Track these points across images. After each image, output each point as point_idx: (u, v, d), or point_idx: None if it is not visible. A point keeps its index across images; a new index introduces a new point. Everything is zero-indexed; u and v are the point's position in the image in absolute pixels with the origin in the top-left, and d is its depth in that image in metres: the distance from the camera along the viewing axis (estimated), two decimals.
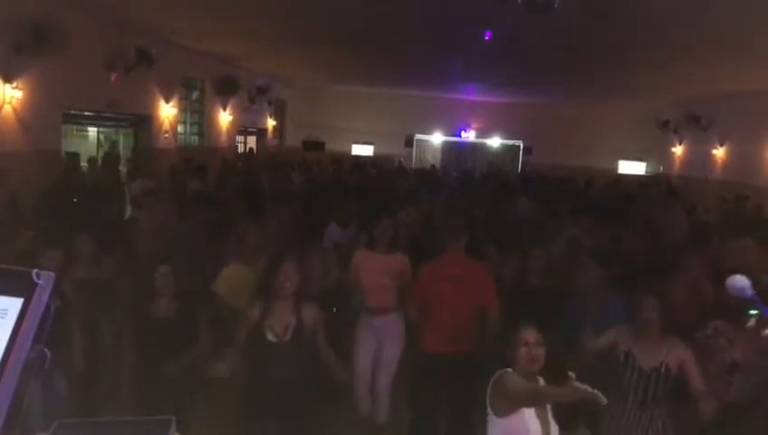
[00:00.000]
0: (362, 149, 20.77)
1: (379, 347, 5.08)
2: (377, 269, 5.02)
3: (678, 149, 17.78)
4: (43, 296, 1.01)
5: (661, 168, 18.80)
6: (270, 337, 3.75)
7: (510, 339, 3.08)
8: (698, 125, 15.48)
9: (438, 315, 4.62)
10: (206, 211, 6.68)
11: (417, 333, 4.83)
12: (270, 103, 18.22)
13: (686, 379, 3.64)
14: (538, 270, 5.12)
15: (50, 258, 4.12)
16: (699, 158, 16.08)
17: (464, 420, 4.54)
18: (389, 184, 11.33)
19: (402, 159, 19.41)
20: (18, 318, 0.98)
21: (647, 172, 19.46)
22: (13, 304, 0.99)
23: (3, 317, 0.98)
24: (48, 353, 1.00)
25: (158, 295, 4.17)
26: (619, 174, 18.62)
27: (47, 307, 1.00)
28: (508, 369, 3.03)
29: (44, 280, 1.03)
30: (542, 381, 3.09)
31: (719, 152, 15.03)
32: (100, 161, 10.06)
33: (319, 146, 19.76)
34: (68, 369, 4.13)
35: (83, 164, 10.01)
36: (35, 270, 1.03)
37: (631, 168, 19.72)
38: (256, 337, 3.74)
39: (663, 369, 3.65)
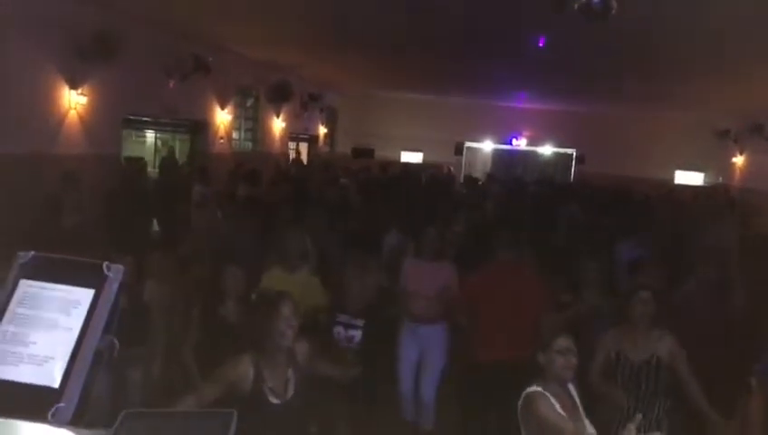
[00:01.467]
0: (412, 157, 20.78)
1: (422, 356, 5.05)
2: (422, 277, 5.01)
3: (739, 160, 17.18)
4: (113, 288, 1.05)
5: (720, 178, 18.19)
6: (272, 399, 3.14)
7: (544, 344, 3.11)
8: (761, 134, 14.93)
9: (488, 324, 4.59)
10: (255, 215, 6.77)
11: (466, 343, 4.80)
12: (321, 111, 18.44)
13: (675, 370, 3.69)
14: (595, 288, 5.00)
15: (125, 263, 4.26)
16: (762, 168, 15.49)
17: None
18: (439, 192, 11.30)
19: (452, 167, 19.33)
20: (89, 309, 1.03)
21: (705, 183, 18.87)
22: (85, 296, 1.04)
23: (76, 308, 1.02)
24: (117, 344, 1.04)
25: (226, 297, 4.23)
26: (674, 184, 18.11)
27: (116, 299, 1.05)
28: (537, 388, 3.01)
29: (114, 273, 1.07)
30: (572, 389, 3.13)
31: None
32: (157, 167, 10.37)
33: (368, 153, 19.87)
34: (144, 363, 4.27)
35: (150, 169, 10.32)
36: (106, 263, 1.08)
37: (689, 178, 19.15)
38: (254, 402, 3.08)
39: (654, 361, 3.69)
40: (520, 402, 3.05)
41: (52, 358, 0.98)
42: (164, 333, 4.46)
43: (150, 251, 5.01)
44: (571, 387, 3.16)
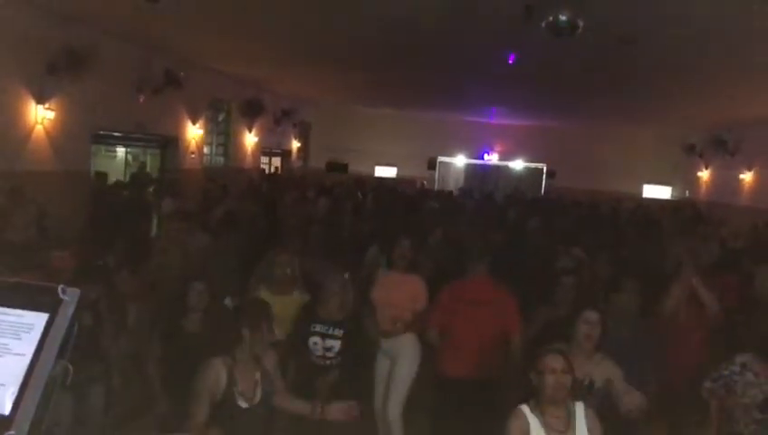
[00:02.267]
0: (385, 171, 20.84)
1: (391, 369, 4.99)
2: (391, 289, 4.97)
3: (705, 174, 17.56)
4: (68, 312, 1.03)
5: (687, 192, 18.56)
6: (241, 403, 3.22)
7: (535, 365, 3.03)
8: (725, 149, 15.29)
9: (458, 339, 4.58)
10: (231, 232, 6.72)
11: (436, 357, 4.78)
12: (295, 125, 18.43)
13: (613, 399, 3.56)
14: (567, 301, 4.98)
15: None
16: (726, 183, 15.85)
17: None
18: (413, 206, 11.31)
19: (425, 182, 19.43)
20: (43, 334, 1.00)
21: (672, 197, 19.23)
22: (38, 320, 1.01)
23: (28, 332, 1.00)
24: (71, 369, 1.01)
25: (189, 311, 4.21)
26: (642, 198, 18.42)
27: (71, 323, 1.02)
28: (522, 407, 3.00)
29: (70, 296, 1.05)
30: (578, 410, 3.06)
31: (747, 177, 14.81)
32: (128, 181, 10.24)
33: (342, 168, 19.87)
34: (105, 383, 4.22)
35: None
36: (61, 286, 1.05)
37: (656, 192, 19.50)
38: (225, 406, 3.19)
39: (587, 382, 3.57)
40: (509, 420, 3.02)
41: (3, 385, 0.96)
42: (125, 348, 4.40)
43: (117, 267, 4.94)
44: (579, 407, 3.04)
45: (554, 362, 2.99)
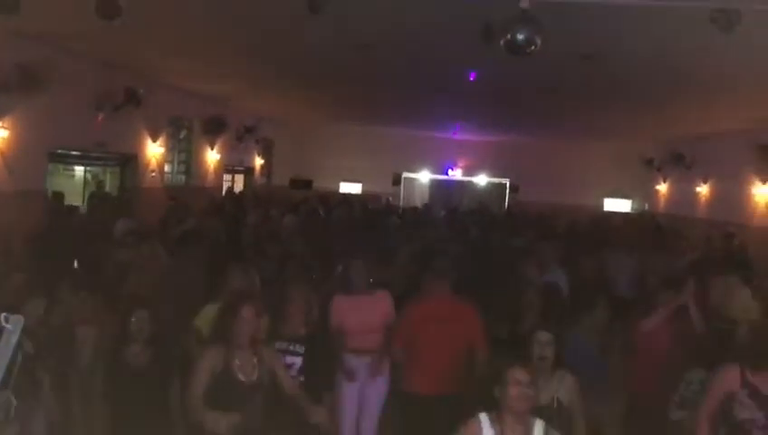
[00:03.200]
0: (350, 187, 20.82)
1: (362, 389, 4.94)
2: (356, 310, 4.91)
3: (663, 187, 17.99)
4: (11, 341, 0.99)
5: (646, 205, 18.98)
6: (240, 376, 3.55)
7: (499, 377, 3.04)
8: (682, 163, 15.71)
9: (424, 356, 4.58)
10: (195, 250, 6.58)
11: (402, 374, 4.76)
12: (257, 142, 18.30)
13: (570, 412, 3.61)
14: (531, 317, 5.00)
15: (35, 306, 4.06)
16: (683, 196, 16.26)
17: None
18: (378, 223, 11.31)
19: (390, 198, 19.48)
20: None
21: (632, 210, 19.63)
22: None
23: None
24: (14, 401, 0.97)
25: (131, 341, 4.05)
26: (604, 212, 18.76)
27: (15, 353, 0.98)
28: (481, 415, 3.02)
29: (13, 324, 1.01)
30: (538, 426, 3.06)
31: (703, 190, 15.22)
32: (85, 201, 10.02)
33: (306, 184, 19.79)
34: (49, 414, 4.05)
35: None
36: (4, 314, 1.01)
37: (617, 205, 19.89)
38: (224, 379, 3.52)
39: (555, 404, 3.60)
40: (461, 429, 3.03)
41: None
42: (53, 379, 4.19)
43: (71, 292, 4.77)
44: (539, 424, 3.05)
45: (519, 374, 3.01)
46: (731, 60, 7.17)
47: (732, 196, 13.40)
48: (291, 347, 4.24)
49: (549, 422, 3.41)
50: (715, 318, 5.23)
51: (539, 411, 3.49)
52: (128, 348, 4.06)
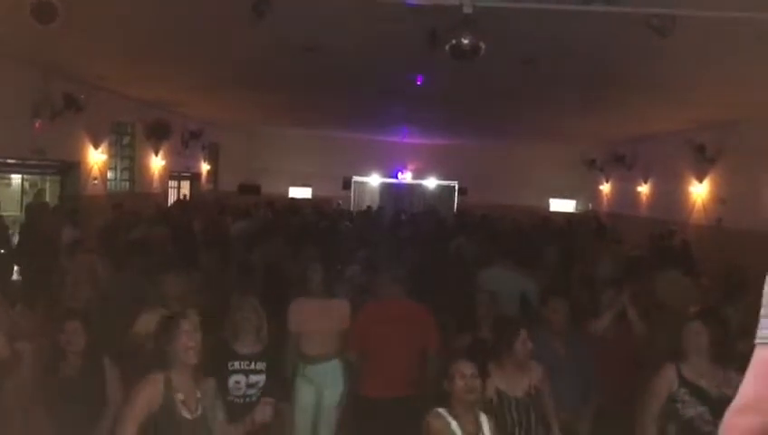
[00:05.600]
0: (300, 192, 20.69)
1: (318, 396, 4.90)
2: (312, 314, 4.87)
3: (606, 187, 18.51)
4: None
5: (590, 205, 19.49)
6: (185, 413, 3.12)
7: (446, 372, 3.20)
8: (623, 164, 16.20)
9: (379, 359, 4.58)
10: (141, 260, 6.41)
11: (357, 378, 4.75)
12: (204, 147, 18.01)
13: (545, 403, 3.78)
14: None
15: None
16: (625, 195, 16.77)
17: None
18: (330, 228, 11.28)
19: (341, 202, 19.45)
20: None
21: (576, 210, 20.12)
22: None
23: None
24: None
25: (65, 354, 3.89)
26: (549, 211, 19.16)
27: None
28: (439, 409, 3.14)
29: None
30: (483, 419, 3.21)
31: (644, 189, 15.72)
32: (23, 211, 9.66)
33: (255, 189, 19.56)
34: None
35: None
36: None
37: (562, 205, 20.36)
38: (165, 417, 3.05)
39: (534, 392, 3.72)
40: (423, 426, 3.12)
41: None
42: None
43: (11, 303, 4.59)
44: (484, 417, 3.21)
45: (464, 367, 3.17)
46: (667, 63, 7.43)
47: (671, 194, 13.88)
48: (252, 366, 4.11)
49: (535, 410, 3.64)
50: (661, 312, 5.37)
51: (522, 403, 3.60)
52: (62, 361, 3.91)
